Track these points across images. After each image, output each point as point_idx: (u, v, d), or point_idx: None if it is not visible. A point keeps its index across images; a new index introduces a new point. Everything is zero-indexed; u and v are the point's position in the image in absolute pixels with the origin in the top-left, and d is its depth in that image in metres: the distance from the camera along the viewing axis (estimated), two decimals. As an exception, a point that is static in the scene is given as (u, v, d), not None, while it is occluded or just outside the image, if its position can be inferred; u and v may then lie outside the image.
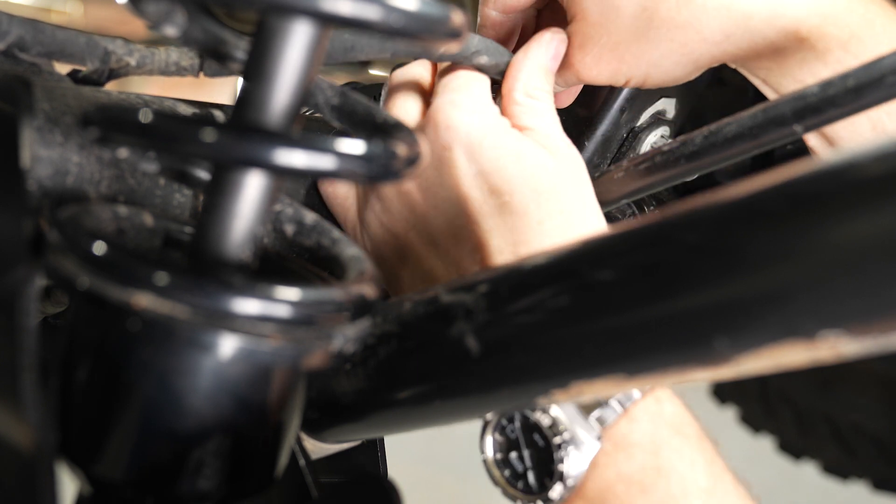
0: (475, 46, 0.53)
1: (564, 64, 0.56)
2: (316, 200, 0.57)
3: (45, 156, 0.39)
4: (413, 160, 0.31)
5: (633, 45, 0.52)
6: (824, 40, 0.49)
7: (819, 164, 0.27)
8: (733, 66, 0.53)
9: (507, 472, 0.46)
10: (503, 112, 0.53)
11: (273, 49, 0.30)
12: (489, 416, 0.45)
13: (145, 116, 0.30)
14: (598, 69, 0.54)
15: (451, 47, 0.51)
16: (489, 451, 0.46)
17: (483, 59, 0.54)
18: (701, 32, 0.51)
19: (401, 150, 0.31)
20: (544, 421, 0.43)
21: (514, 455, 0.45)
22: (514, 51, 0.59)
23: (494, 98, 0.56)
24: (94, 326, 0.33)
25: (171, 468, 0.32)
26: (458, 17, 0.30)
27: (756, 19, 0.50)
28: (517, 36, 0.60)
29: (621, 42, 0.52)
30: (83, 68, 0.45)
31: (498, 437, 0.46)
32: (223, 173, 0.31)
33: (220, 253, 0.32)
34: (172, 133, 0.29)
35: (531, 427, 0.44)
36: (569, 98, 0.61)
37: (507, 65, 0.55)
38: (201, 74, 0.48)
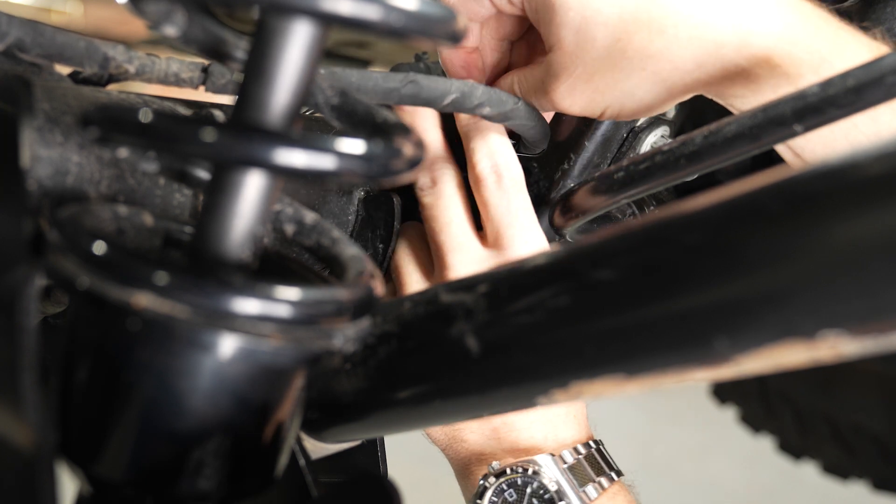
0: (479, 98, 0.54)
1: (541, 91, 0.56)
2: (316, 200, 0.57)
3: (45, 155, 0.39)
4: (414, 160, 0.31)
5: (606, 75, 0.53)
6: (796, 65, 0.50)
7: (819, 164, 0.27)
8: (707, 94, 0.54)
9: None
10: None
11: (273, 49, 0.30)
12: (490, 480, 0.55)
13: (145, 116, 0.30)
14: (571, 99, 0.55)
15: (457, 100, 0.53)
16: None
17: (486, 110, 0.55)
18: (673, 62, 0.51)
19: (401, 149, 0.31)
20: (550, 487, 0.54)
21: None
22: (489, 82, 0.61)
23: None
24: (93, 326, 0.33)
25: (171, 468, 0.32)
26: (458, 18, 0.30)
27: (728, 48, 0.50)
28: (484, 69, 0.62)
29: (595, 72, 0.53)
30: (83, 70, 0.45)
31: (495, 499, 0.55)
32: (223, 173, 0.32)
33: (219, 253, 0.32)
34: (172, 133, 0.29)
35: (534, 493, 0.54)
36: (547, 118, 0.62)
37: (511, 112, 0.56)
38: (202, 88, 0.48)
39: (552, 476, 0.55)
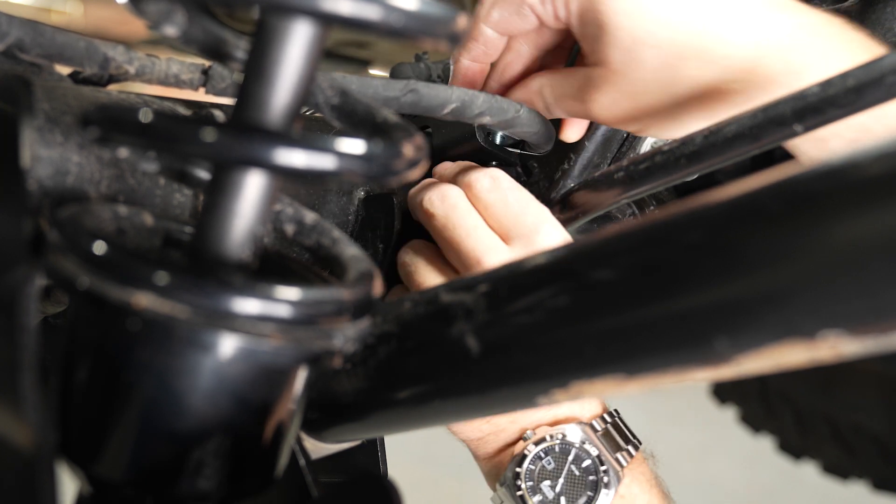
0: (479, 107, 0.53)
1: (576, 99, 0.56)
2: (316, 200, 0.57)
3: (45, 155, 0.39)
4: (414, 160, 0.31)
5: (653, 98, 0.52)
6: None
7: (819, 164, 0.27)
8: None
9: (536, 498, 0.55)
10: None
11: (273, 49, 0.30)
12: (529, 447, 0.56)
13: (145, 116, 0.30)
14: (610, 112, 0.54)
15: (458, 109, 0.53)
16: (525, 480, 0.55)
17: (487, 119, 0.55)
18: (726, 95, 0.51)
19: (401, 149, 0.31)
20: (591, 451, 0.55)
21: (546, 484, 0.55)
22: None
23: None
24: (93, 326, 0.33)
25: (171, 468, 0.32)
26: (459, 18, 0.30)
27: (781, 87, 0.50)
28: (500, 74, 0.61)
29: (642, 93, 0.53)
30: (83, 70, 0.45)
31: (532, 467, 0.55)
32: (223, 173, 0.32)
33: (220, 253, 0.32)
34: (172, 133, 0.29)
35: (575, 459, 0.55)
36: (578, 133, 0.61)
37: (513, 119, 0.56)
38: (202, 90, 0.48)
39: (589, 443, 0.55)
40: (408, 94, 0.51)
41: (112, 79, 0.46)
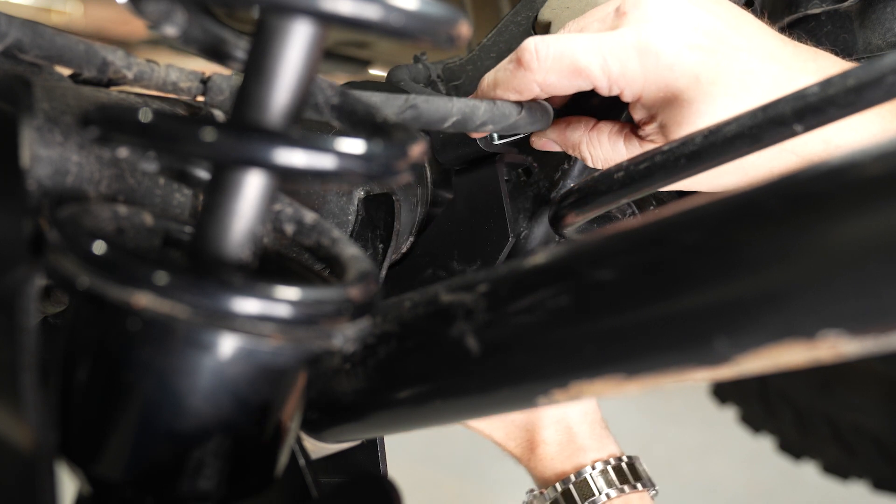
0: (481, 117, 0.53)
1: (619, 158, 0.57)
2: (316, 200, 0.57)
3: (44, 155, 0.39)
4: (414, 160, 0.31)
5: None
6: None
7: (819, 164, 0.27)
8: None
9: None
10: None
11: (273, 48, 0.30)
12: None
13: (145, 116, 0.30)
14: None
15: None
16: None
17: (490, 127, 0.55)
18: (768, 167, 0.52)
19: (401, 149, 0.31)
20: None
21: None
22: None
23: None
24: (93, 326, 0.33)
25: (170, 468, 0.32)
26: (459, 18, 0.30)
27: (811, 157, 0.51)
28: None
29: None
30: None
31: None
32: (223, 173, 0.31)
33: (219, 252, 0.32)
34: (172, 133, 0.29)
35: None
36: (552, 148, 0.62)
37: (515, 123, 0.55)
38: (201, 99, 0.48)
39: None
40: (407, 111, 0.51)
41: (111, 82, 0.46)
